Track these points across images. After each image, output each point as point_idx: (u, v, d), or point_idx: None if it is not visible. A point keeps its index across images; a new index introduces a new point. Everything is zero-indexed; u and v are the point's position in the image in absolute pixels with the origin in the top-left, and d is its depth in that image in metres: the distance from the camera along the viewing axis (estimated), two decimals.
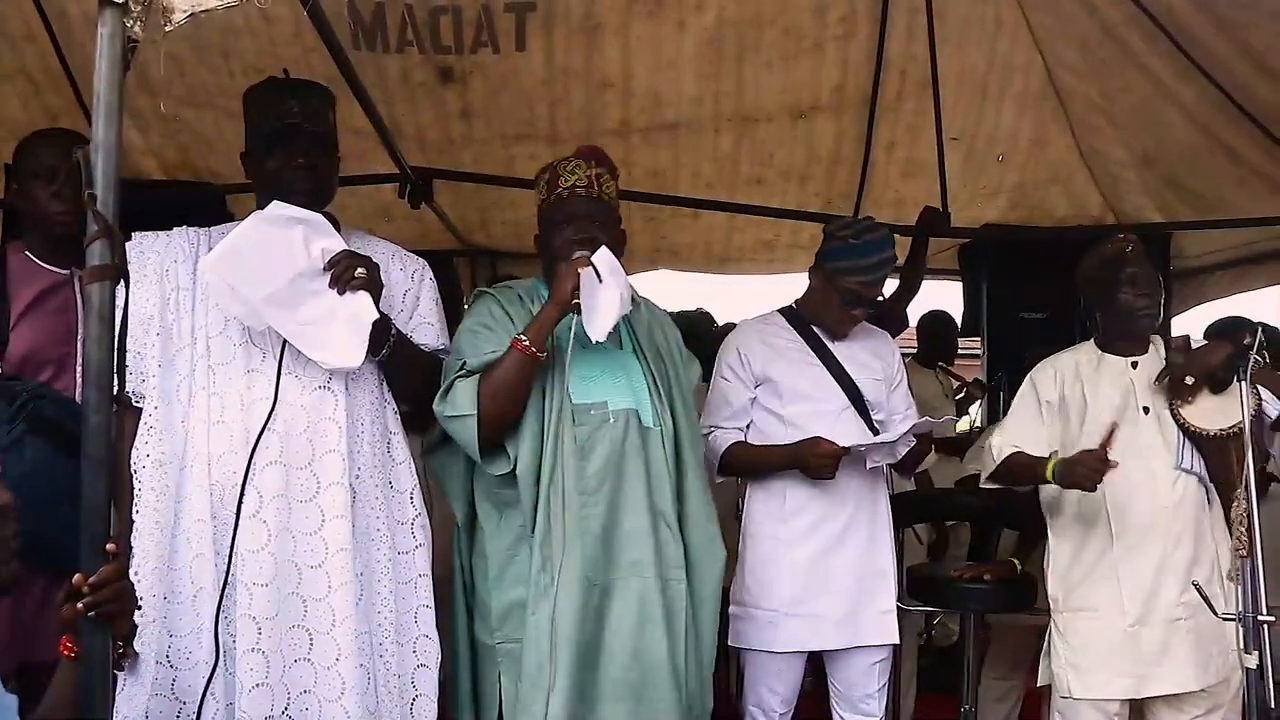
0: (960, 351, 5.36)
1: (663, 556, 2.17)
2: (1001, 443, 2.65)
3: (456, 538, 2.31)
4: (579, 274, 2.09)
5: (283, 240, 1.98)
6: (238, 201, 3.54)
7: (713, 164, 4.43)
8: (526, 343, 2.11)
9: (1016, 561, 3.01)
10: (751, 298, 2.84)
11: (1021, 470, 2.61)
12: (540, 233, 2.31)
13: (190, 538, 1.94)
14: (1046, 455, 2.57)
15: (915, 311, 4.78)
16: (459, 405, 2.11)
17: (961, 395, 5.11)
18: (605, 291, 2.09)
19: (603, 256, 2.11)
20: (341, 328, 2.00)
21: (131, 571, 1.87)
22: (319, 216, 2.03)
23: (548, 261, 2.27)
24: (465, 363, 2.16)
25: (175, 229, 2.11)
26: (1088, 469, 2.41)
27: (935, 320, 5.03)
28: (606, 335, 2.11)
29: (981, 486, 2.79)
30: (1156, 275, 2.60)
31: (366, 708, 1.96)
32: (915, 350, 5.14)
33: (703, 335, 4.19)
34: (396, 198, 3.89)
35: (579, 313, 2.10)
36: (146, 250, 2.05)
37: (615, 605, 2.13)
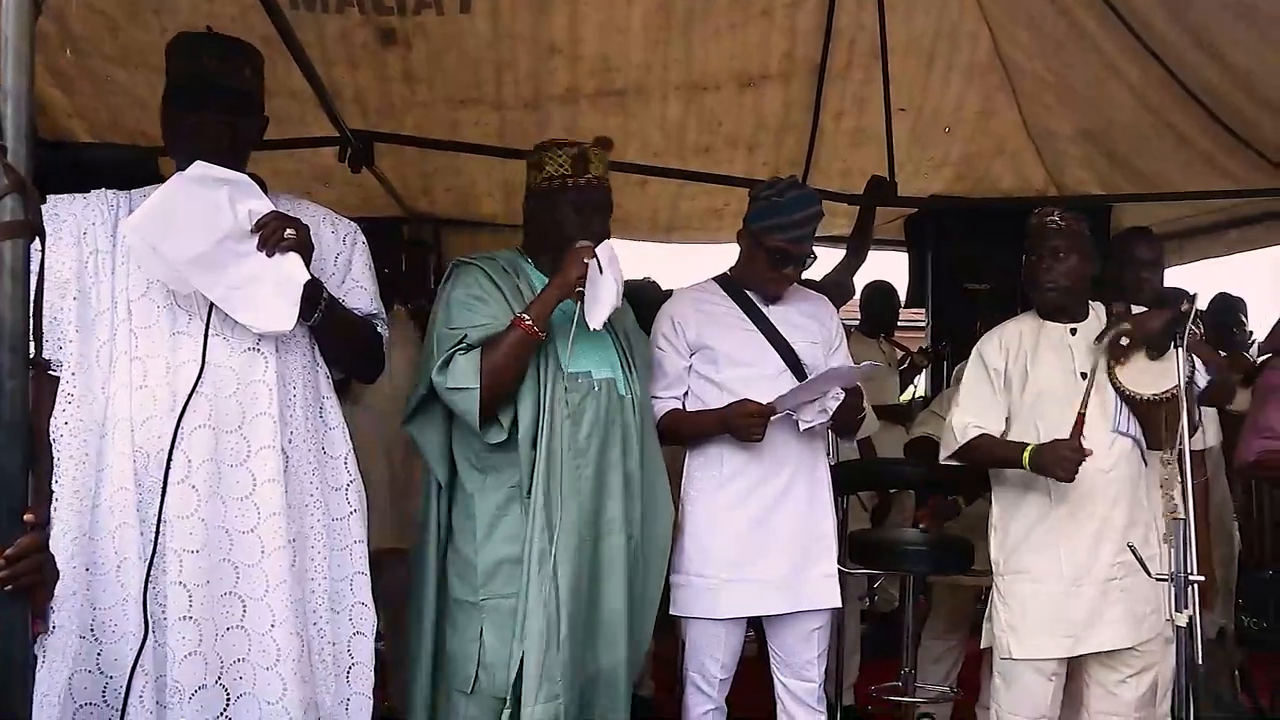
0: (906, 323, 5.40)
1: (629, 515, 2.36)
2: (965, 422, 2.65)
3: (431, 500, 2.38)
4: (585, 264, 2.20)
5: (208, 201, 1.91)
6: (171, 165, 3.43)
7: (661, 131, 4.40)
8: (530, 323, 2.22)
9: (960, 499, 3.03)
10: (700, 267, 2.82)
11: (991, 454, 2.63)
12: (548, 206, 2.36)
13: (113, 507, 1.87)
14: (1008, 437, 2.60)
15: (860, 282, 4.81)
16: (462, 378, 2.21)
17: (906, 365, 5.16)
18: (605, 283, 2.22)
19: (607, 250, 2.24)
20: (271, 290, 1.95)
21: (51, 543, 1.81)
22: (245, 177, 1.97)
23: (550, 235, 2.35)
24: (466, 335, 2.24)
25: (93, 191, 2.03)
26: (1063, 459, 2.44)
27: (876, 291, 5.04)
28: (599, 325, 2.23)
29: (942, 464, 2.79)
30: (1079, 251, 2.61)
31: (301, 675, 1.93)
32: (858, 322, 5.18)
33: (651, 304, 4.16)
34: (337, 162, 3.80)
35: (580, 300, 2.22)
36: (63, 212, 1.96)
37: (592, 559, 2.31)
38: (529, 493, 2.24)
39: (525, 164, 2.44)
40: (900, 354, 5.12)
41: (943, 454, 2.74)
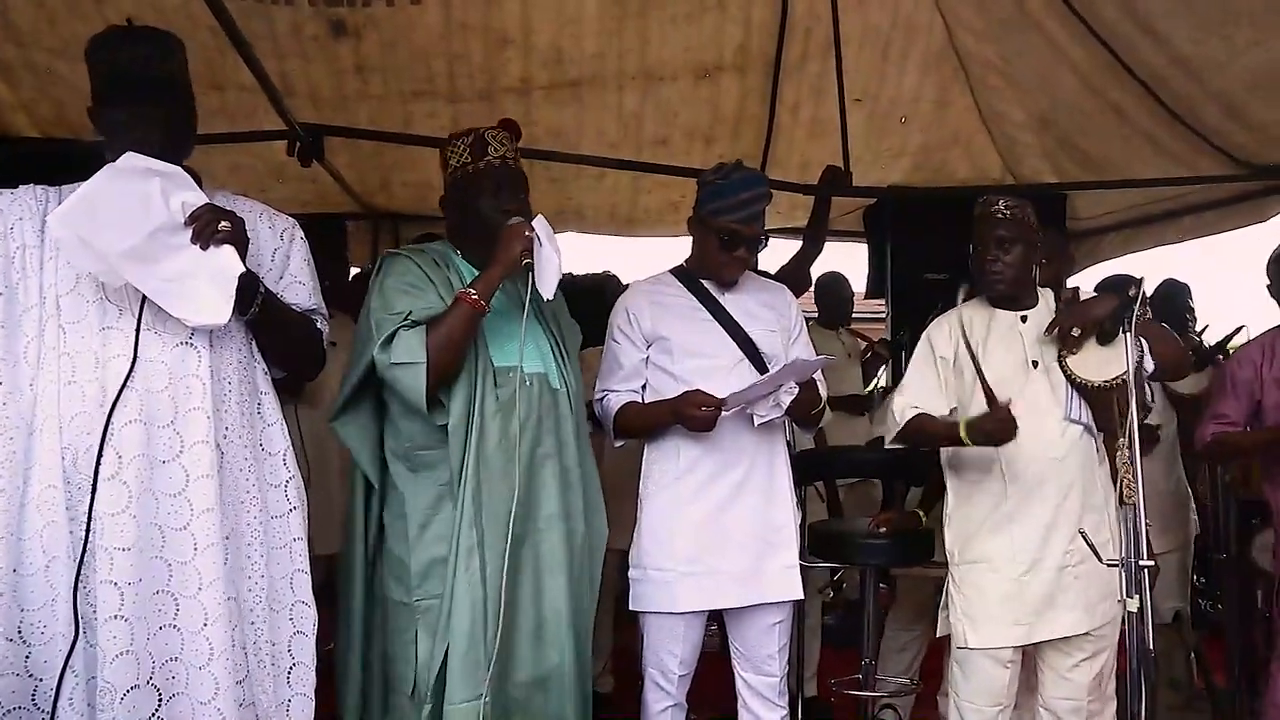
0: (866, 314, 5.41)
1: (569, 510, 2.34)
2: (904, 404, 2.67)
3: (358, 499, 2.34)
4: (527, 236, 2.19)
5: (139, 192, 1.86)
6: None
7: (617, 123, 4.37)
8: (475, 296, 2.18)
9: (920, 513, 3.05)
10: (660, 261, 2.80)
11: (931, 433, 2.64)
12: (460, 196, 2.36)
13: (40, 505, 1.83)
14: (952, 416, 2.60)
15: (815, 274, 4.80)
16: (406, 352, 2.16)
17: (869, 357, 5.16)
18: (549, 255, 2.21)
19: (542, 223, 2.23)
20: (205, 283, 1.90)
21: None
22: (178, 169, 1.93)
23: (469, 223, 2.34)
24: (410, 313, 2.20)
25: (21, 187, 1.98)
26: (1001, 424, 2.44)
27: (830, 282, 5.04)
28: (552, 294, 2.22)
29: (886, 447, 2.80)
30: (1025, 239, 2.61)
31: (235, 675, 1.89)
32: (816, 314, 5.18)
33: (610, 298, 4.14)
34: (291, 158, 3.75)
35: (530, 272, 2.20)
36: None
37: (528, 556, 2.28)
38: (459, 489, 2.20)
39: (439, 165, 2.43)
40: (863, 344, 5.13)
41: (887, 439, 2.74)
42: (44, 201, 1.95)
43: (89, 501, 1.82)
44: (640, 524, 2.60)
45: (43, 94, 3.84)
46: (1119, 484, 2.16)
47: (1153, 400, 2.75)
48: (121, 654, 1.81)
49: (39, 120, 3.95)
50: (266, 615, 1.98)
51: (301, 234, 2.19)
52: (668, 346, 2.59)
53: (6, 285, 1.90)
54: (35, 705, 1.80)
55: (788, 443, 2.76)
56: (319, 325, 2.20)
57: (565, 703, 2.30)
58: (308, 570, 2.07)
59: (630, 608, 2.61)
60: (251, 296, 1.97)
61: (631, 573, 2.60)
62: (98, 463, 1.83)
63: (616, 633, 3.79)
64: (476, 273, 2.29)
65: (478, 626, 2.17)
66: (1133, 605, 2.12)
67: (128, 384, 1.87)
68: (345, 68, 3.84)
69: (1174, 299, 4.30)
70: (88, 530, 1.81)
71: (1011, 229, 2.60)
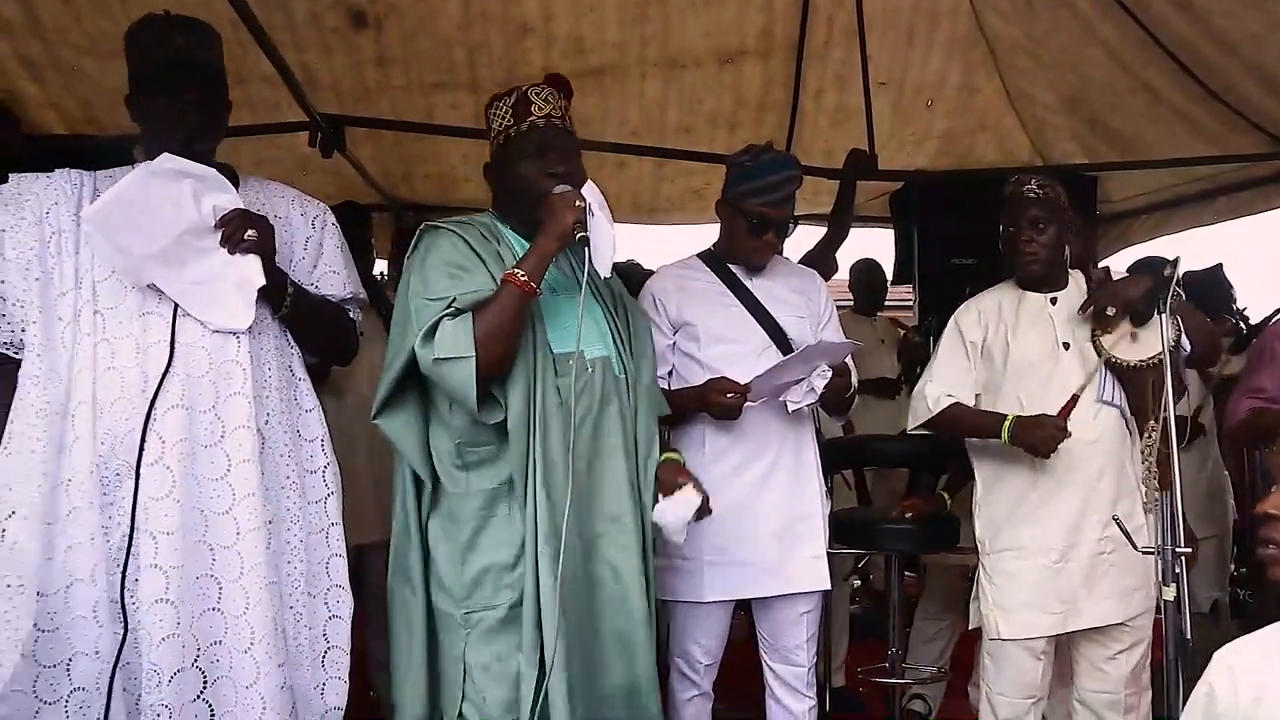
0: (892, 301, 5.37)
1: (641, 507, 2.13)
2: (938, 392, 2.62)
3: (409, 500, 2.11)
4: (578, 206, 1.97)
5: (170, 195, 1.89)
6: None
7: (640, 111, 4.35)
8: (525, 278, 1.96)
9: (945, 496, 3.01)
10: (684, 248, 2.76)
11: (967, 424, 2.60)
12: (503, 162, 2.14)
13: (70, 490, 1.85)
14: (988, 408, 2.56)
15: (844, 259, 4.75)
16: (452, 346, 1.92)
17: (912, 343, 5.11)
18: (602, 226, 1.99)
19: (593, 190, 2.02)
20: (230, 288, 1.93)
21: (10, 526, 1.81)
22: (212, 171, 1.95)
23: (514, 192, 2.12)
24: (454, 300, 1.96)
25: (57, 170, 2.00)
26: (1046, 435, 2.41)
27: (864, 269, 5.04)
28: (609, 271, 2.02)
29: (910, 433, 2.76)
30: (1058, 219, 2.57)
31: (276, 659, 1.90)
32: (851, 302, 5.15)
33: (634, 286, 4.13)
34: (314, 151, 3.75)
35: (586, 245, 1.97)
36: (25, 191, 1.95)
37: (597, 560, 2.08)
38: (525, 490, 2.00)
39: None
40: (901, 331, 5.09)
41: (911, 423, 2.70)
42: (79, 186, 1.97)
43: (133, 486, 1.84)
44: None
45: (70, 91, 3.87)
46: (1149, 468, 2.12)
47: (1202, 399, 2.69)
48: (168, 637, 1.83)
49: (67, 117, 3.99)
50: (305, 600, 2.00)
51: (334, 220, 2.19)
52: (694, 332, 2.55)
53: (43, 270, 1.92)
54: (35, 693, 1.81)
55: (815, 430, 2.73)
56: (352, 314, 2.20)
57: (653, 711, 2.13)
58: (344, 555, 2.08)
59: (656, 596, 2.59)
60: (281, 299, 2.00)
61: (657, 561, 2.57)
62: (140, 448, 1.85)
63: None
64: (528, 246, 2.10)
65: (572, 645, 1.98)
66: (1169, 594, 2.07)
67: (170, 370, 1.88)
68: (366, 59, 3.84)
69: (1216, 284, 4.22)
70: (133, 516, 1.83)
71: (1045, 209, 2.56)
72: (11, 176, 1.98)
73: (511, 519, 2.02)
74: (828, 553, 2.64)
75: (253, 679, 1.88)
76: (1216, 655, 1.41)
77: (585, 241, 1.97)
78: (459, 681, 2.02)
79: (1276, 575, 1.39)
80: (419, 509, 2.10)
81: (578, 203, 1.98)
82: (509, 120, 2.12)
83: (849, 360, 2.60)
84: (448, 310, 1.96)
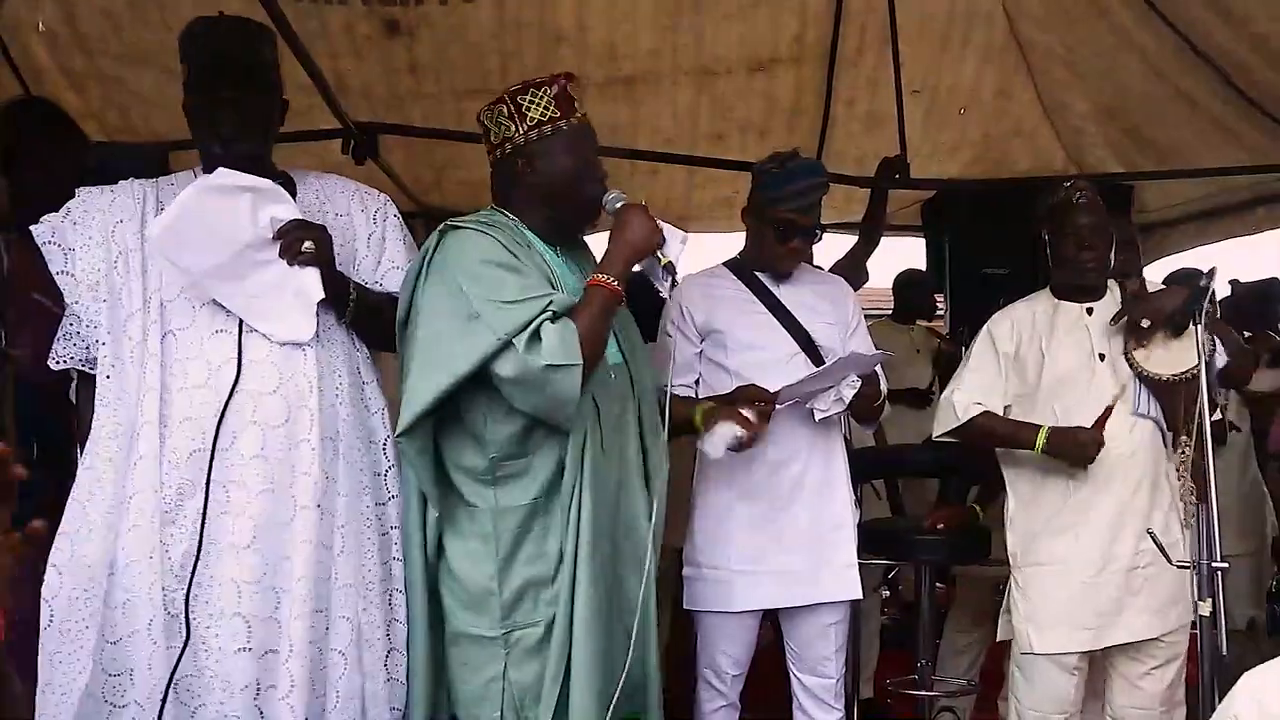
0: None
1: (652, 510, 2.12)
2: (967, 400, 2.60)
3: (417, 519, 2.03)
4: (658, 228, 1.96)
5: (228, 209, 1.90)
6: (179, 159, 3.42)
7: (671, 118, 4.35)
8: (615, 283, 1.93)
9: (977, 507, 2.98)
10: (715, 257, 2.76)
11: (999, 434, 2.58)
12: (539, 160, 2.03)
13: (131, 508, 1.86)
14: (1025, 417, 2.54)
15: (887, 269, 4.76)
16: (563, 352, 1.85)
17: (939, 355, 5.09)
18: (674, 246, 1.98)
19: (647, 206, 2.01)
20: (291, 301, 1.94)
21: (78, 543, 1.85)
22: (268, 182, 1.95)
23: (553, 196, 2.04)
24: (550, 301, 1.89)
25: (120, 183, 2.01)
26: (1083, 446, 2.39)
27: (909, 279, 5.07)
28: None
29: (935, 439, 2.73)
30: (1108, 226, 2.55)
31: (309, 671, 1.89)
32: (891, 310, 5.15)
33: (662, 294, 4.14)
34: (346, 157, 3.79)
35: (672, 274, 1.96)
36: (91, 209, 1.96)
37: (621, 562, 2.07)
38: (571, 501, 1.95)
39: (493, 115, 2.09)
40: (936, 341, 5.07)
41: (937, 430, 2.67)
42: (141, 200, 1.98)
43: (202, 503, 1.85)
44: (694, 522, 2.57)
45: (109, 101, 3.94)
46: (1184, 482, 2.09)
47: (1225, 398, 2.65)
48: (242, 649, 1.85)
49: (107, 126, 4.05)
50: (379, 602, 2.00)
51: (395, 211, 2.17)
52: (721, 340, 2.54)
53: (110, 290, 1.94)
54: (105, 698, 1.84)
55: (845, 439, 2.71)
56: None
57: (653, 706, 2.16)
58: (401, 559, 2.07)
59: (684, 606, 2.58)
60: (344, 305, 1.99)
61: (686, 571, 2.57)
62: (210, 465, 1.86)
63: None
64: (552, 249, 2.08)
65: (609, 654, 1.98)
66: (1204, 609, 2.04)
67: (237, 387, 1.89)
68: (399, 66, 3.87)
69: (1267, 297, 4.16)
70: (202, 531, 1.84)
71: (1096, 215, 2.53)
72: (78, 192, 1.99)
73: (549, 533, 1.98)
74: (858, 563, 2.62)
75: (287, 690, 1.87)
76: (1242, 680, 1.38)
77: (672, 270, 1.97)
78: (496, 700, 1.97)
79: None
80: (424, 532, 2.02)
81: (652, 216, 1.97)
82: (554, 111, 2.03)
83: (878, 369, 2.59)
84: (544, 314, 1.88)
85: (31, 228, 1.97)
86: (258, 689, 1.87)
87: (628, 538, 2.08)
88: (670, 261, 1.96)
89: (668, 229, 1.98)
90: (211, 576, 1.85)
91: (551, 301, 1.90)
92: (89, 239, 1.93)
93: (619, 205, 2.03)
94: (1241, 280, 4.31)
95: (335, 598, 1.93)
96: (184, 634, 1.82)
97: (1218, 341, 2.38)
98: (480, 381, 1.92)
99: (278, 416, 1.91)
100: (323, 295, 1.94)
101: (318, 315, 1.97)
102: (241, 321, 1.92)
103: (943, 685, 3.31)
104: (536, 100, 2.04)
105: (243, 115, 1.95)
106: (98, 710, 1.82)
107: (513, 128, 2.05)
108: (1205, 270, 2.23)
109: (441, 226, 2.04)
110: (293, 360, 1.94)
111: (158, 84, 3.69)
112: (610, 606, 2.02)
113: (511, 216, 2.08)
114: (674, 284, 2.00)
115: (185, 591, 1.83)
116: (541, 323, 1.87)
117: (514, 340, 1.86)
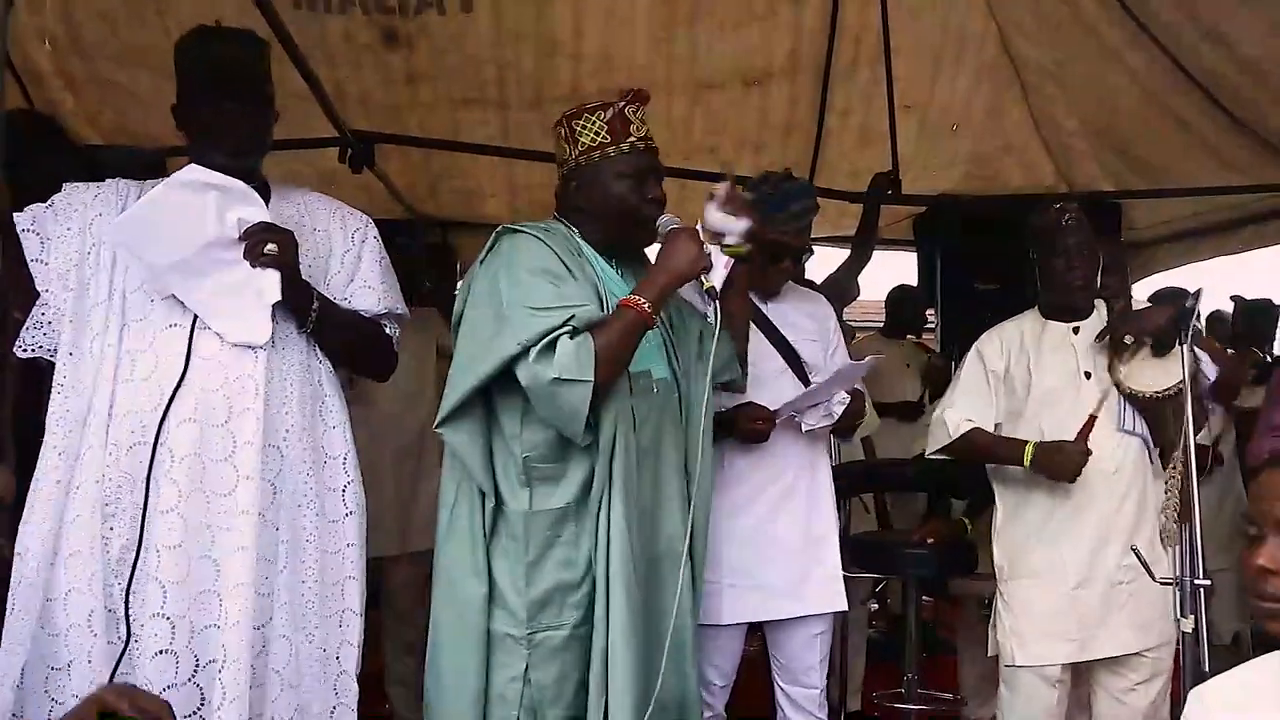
0: None
1: (693, 529, 2.11)
2: (958, 417, 2.63)
3: (474, 513, 2.02)
4: (706, 253, 1.97)
5: (195, 206, 1.90)
6: (176, 165, 3.43)
7: (666, 130, 4.33)
8: (648, 307, 1.93)
9: (966, 521, 3.01)
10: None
11: (988, 450, 2.60)
12: (592, 180, 2.06)
13: (75, 498, 1.86)
14: (1013, 434, 2.57)
15: (879, 283, 4.78)
16: (575, 367, 1.87)
17: (928, 371, 5.12)
18: (719, 271, 2.00)
19: (698, 231, 2.01)
20: (250, 301, 1.93)
21: (28, 531, 1.84)
22: (238, 183, 1.94)
23: (605, 220, 2.07)
24: (573, 315, 1.90)
25: (108, 180, 2.02)
26: (1069, 460, 2.41)
27: (902, 295, 5.09)
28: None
29: (928, 456, 2.76)
30: (1095, 246, 2.58)
31: (246, 684, 1.84)
32: (882, 324, 5.17)
33: None
34: (343, 165, 3.80)
35: (715, 299, 1.99)
36: (74, 202, 1.98)
37: (659, 579, 2.06)
38: (600, 509, 1.97)
39: (555, 136, 2.12)
40: (927, 356, 5.09)
41: (930, 448, 2.70)
42: (124, 197, 1.99)
43: (143, 498, 1.84)
44: None
45: (105, 103, 3.94)
46: (1168, 498, 2.11)
47: (1210, 413, 2.67)
48: (161, 652, 1.82)
49: (102, 129, 4.05)
50: (319, 621, 1.96)
51: (375, 233, 2.16)
52: None
53: (79, 281, 1.94)
54: (48, 693, 1.82)
55: (830, 453, 2.74)
56: (388, 330, 2.17)
57: None
58: (359, 577, 2.03)
59: None
60: (306, 314, 1.97)
61: None
62: (151, 460, 1.85)
63: None
64: (606, 261, 2.08)
65: (646, 665, 1.96)
66: (1187, 625, 2.06)
67: (183, 383, 1.88)
68: (397, 76, 3.89)
69: (1266, 316, 4.18)
70: (142, 528, 1.83)
71: (1083, 234, 2.56)
72: (65, 185, 2.01)
73: (579, 538, 1.99)
74: (845, 576, 2.64)
75: (219, 701, 1.81)
76: (1192, 694, 1.40)
77: (714, 294, 1.99)
78: (515, 701, 1.98)
79: (1276, 630, 1.37)
80: (482, 525, 2.02)
81: (705, 242, 1.97)
82: (604, 137, 2.05)
83: (859, 382, 2.61)
84: (565, 327, 1.90)
85: (15, 215, 1.97)
86: (201, 699, 1.83)
87: (669, 551, 2.07)
88: (713, 286, 1.98)
89: (715, 252, 2.00)
90: (146, 574, 1.83)
91: (574, 315, 1.91)
92: (67, 229, 1.94)
93: (669, 229, 2.04)
94: (1245, 298, 4.32)
95: (277, 615, 1.91)
96: (122, 631, 1.80)
97: (1203, 358, 2.40)
98: (514, 381, 1.95)
99: (218, 415, 1.89)
100: (279, 298, 1.92)
101: (276, 321, 1.95)
102: (196, 318, 1.92)
103: (927, 699, 3.32)
104: (589, 125, 2.06)
105: (237, 127, 1.96)
106: (39, 705, 1.80)
107: (567, 150, 2.10)
108: (1192, 290, 2.25)
109: (499, 229, 2.08)
110: (241, 361, 1.92)
111: (155, 86, 3.68)
112: (646, 617, 2.01)
113: (570, 226, 2.13)
114: (717, 308, 2.01)
115: (125, 588, 1.81)
116: (559, 335, 1.89)
117: (530, 349, 1.89)
